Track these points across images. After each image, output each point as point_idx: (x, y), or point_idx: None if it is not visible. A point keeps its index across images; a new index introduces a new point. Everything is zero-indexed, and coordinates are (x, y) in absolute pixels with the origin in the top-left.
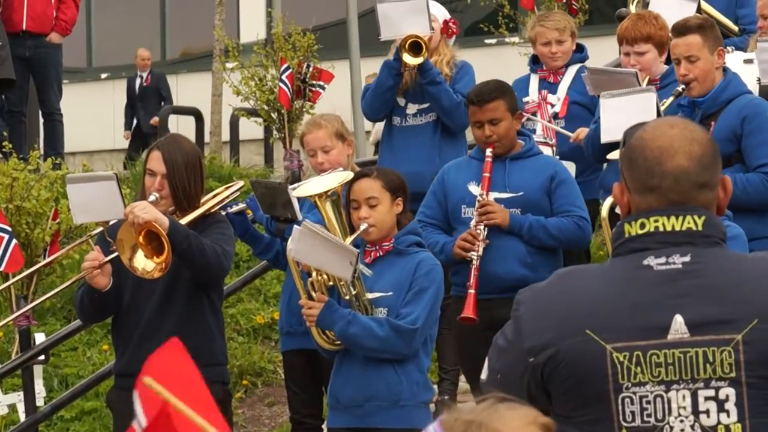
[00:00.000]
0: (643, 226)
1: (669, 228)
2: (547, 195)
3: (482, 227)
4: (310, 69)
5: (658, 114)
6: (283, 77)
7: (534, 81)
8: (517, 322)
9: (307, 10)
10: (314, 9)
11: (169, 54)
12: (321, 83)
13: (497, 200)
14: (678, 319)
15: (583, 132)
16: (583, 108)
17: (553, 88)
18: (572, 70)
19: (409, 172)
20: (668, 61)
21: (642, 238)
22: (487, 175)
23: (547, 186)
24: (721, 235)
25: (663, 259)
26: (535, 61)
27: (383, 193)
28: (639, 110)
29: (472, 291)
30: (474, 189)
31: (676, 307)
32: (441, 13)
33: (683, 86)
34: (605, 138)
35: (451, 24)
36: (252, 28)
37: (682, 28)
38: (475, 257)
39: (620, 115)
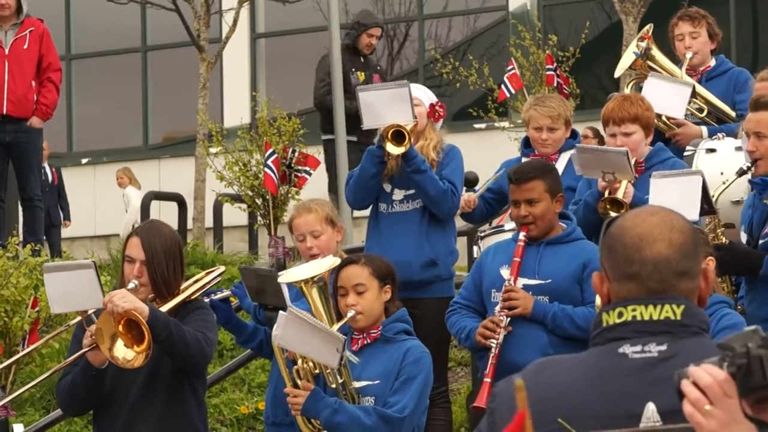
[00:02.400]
0: (620, 315)
1: (647, 317)
2: (578, 283)
3: (504, 315)
4: (296, 154)
5: (706, 194)
6: (269, 162)
7: None
8: (491, 415)
9: (292, 94)
10: (299, 93)
11: (151, 138)
12: (307, 168)
13: (525, 287)
14: (650, 407)
15: None
16: (576, 193)
17: None
18: (565, 156)
19: (396, 261)
20: (653, 142)
21: (619, 328)
22: (517, 260)
23: (578, 274)
24: (702, 324)
25: (639, 348)
26: (527, 145)
27: (371, 280)
28: (685, 191)
29: (487, 380)
30: (505, 273)
31: (649, 395)
32: (427, 97)
33: (748, 164)
34: None
35: (437, 107)
36: (236, 112)
37: (756, 104)
38: (494, 345)
39: (668, 194)
